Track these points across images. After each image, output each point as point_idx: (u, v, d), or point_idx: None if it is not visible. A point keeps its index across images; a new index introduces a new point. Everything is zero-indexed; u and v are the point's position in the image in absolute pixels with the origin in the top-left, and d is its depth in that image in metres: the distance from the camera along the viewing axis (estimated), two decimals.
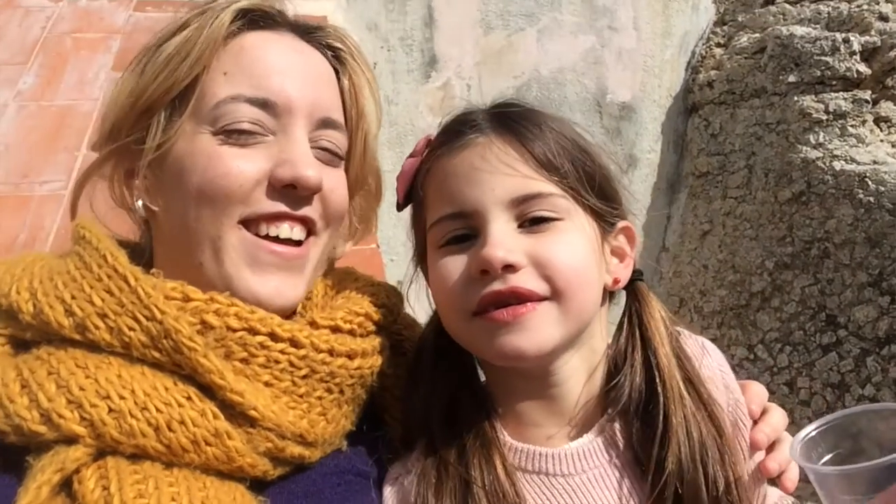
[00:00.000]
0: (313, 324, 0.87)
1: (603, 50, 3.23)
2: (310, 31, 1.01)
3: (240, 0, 0.94)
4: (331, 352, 0.85)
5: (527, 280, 0.83)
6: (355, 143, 1.00)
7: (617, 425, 0.89)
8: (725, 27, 3.37)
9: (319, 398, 0.85)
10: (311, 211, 0.91)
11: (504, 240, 0.83)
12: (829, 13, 2.90)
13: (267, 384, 0.81)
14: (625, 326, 0.94)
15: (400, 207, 1.00)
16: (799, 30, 2.82)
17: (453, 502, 0.84)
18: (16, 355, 0.80)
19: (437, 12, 2.97)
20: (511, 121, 0.91)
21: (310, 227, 0.92)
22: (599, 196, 0.91)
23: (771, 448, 0.94)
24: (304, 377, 0.84)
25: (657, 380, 0.88)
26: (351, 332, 0.89)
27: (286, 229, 0.89)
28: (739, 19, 3.31)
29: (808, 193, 2.60)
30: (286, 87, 0.90)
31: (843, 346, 2.40)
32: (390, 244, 2.58)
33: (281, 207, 0.88)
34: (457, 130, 0.91)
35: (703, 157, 3.11)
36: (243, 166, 0.87)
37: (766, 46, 2.92)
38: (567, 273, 0.84)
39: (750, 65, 2.97)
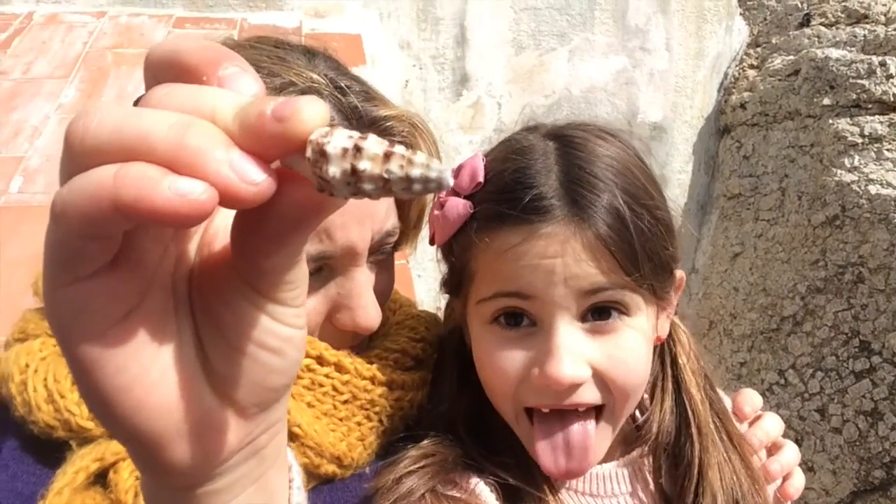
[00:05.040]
0: (351, 354, 0.87)
1: (635, 70, 3.22)
2: (375, 126, 0.88)
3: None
4: (372, 379, 0.85)
5: (587, 393, 0.77)
6: (409, 214, 0.93)
7: (644, 461, 0.87)
8: (759, 49, 3.34)
9: (359, 424, 0.85)
10: None
11: (572, 351, 0.75)
12: (865, 36, 2.87)
13: (309, 405, 0.82)
14: (655, 363, 0.89)
15: (439, 246, 0.88)
16: (834, 52, 2.79)
17: None
18: None
19: (469, 32, 2.99)
20: (591, 209, 0.75)
21: None
22: (669, 276, 0.83)
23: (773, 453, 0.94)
24: (345, 402, 0.84)
25: (692, 424, 0.85)
26: (388, 366, 0.89)
27: None
28: (773, 41, 3.28)
29: (843, 217, 2.56)
30: (348, 236, 0.80)
31: (877, 372, 2.35)
32: (418, 260, 2.59)
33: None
34: (522, 209, 0.76)
35: (734, 179, 3.08)
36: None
37: (801, 69, 2.89)
38: (627, 383, 0.79)
39: (784, 87, 2.94)
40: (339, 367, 0.84)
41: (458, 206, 0.81)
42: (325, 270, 0.83)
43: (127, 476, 0.71)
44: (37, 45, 2.55)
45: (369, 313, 0.84)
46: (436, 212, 0.84)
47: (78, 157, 0.31)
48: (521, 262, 0.76)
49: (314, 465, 0.80)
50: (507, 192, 0.78)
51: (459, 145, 2.96)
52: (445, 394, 0.89)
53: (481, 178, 0.80)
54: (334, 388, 0.83)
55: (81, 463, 0.71)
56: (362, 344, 0.91)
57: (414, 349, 0.93)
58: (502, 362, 0.79)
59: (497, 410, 0.84)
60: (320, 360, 0.83)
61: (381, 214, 0.85)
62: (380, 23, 2.85)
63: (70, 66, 2.50)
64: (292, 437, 0.78)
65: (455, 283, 0.87)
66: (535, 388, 0.77)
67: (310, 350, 0.82)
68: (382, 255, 0.89)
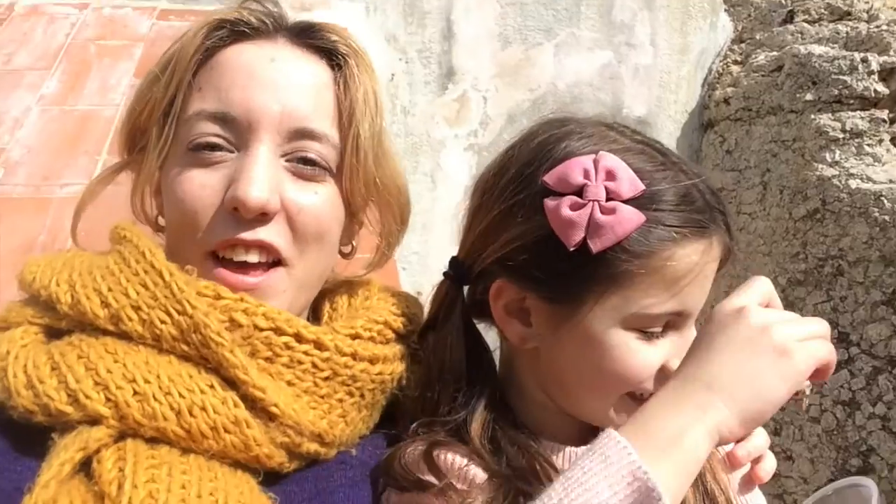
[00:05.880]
0: (334, 331, 0.87)
1: (620, 65, 3.24)
2: (304, 33, 0.94)
3: (222, 12, 0.90)
4: (353, 355, 0.86)
5: None
6: (346, 149, 0.91)
7: None
8: (743, 45, 3.37)
9: (340, 400, 0.85)
10: (271, 234, 0.85)
11: None
12: (847, 33, 2.90)
13: (289, 383, 0.82)
14: None
15: (593, 250, 0.80)
16: (817, 48, 2.82)
17: None
18: (48, 343, 0.81)
19: (455, 25, 2.99)
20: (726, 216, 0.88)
21: (275, 256, 0.86)
22: None
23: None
24: (326, 379, 0.84)
25: None
26: (371, 340, 0.90)
27: (241, 253, 0.85)
28: (757, 37, 3.31)
29: (823, 211, 2.59)
30: (248, 99, 0.84)
31: (855, 363, 2.38)
32: (402, 253, 2.60)
33: (231, 234, 0.84)
34: (709, 219, 0.83)
35: (717, 173, 3.11)
36: (204, 190, 0.84)
37: (784, 64, 2.91)
38: None
39: (767, 82, 2.97)
40: (319, 345, 0.84)
41: (633, 217, 0.79)
42: (228, 143, 0.85)
43: (111, 466, 0.71)
44: (18, 36, 2.53)
45: (250, 188, 0.81)
46: (602, 216, 0.79)
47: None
48: (693, 274, 0.83)
49: (295, 444, 0.81)
50: (687, 203, 0.83)
51: (445, 139, 2.97)
52: (462, 401, 0.89)
53: (643, 186, 0.81)
54: (314, 366, 0.83)
55: (66, 455, 0.71)
56: (260, 290, 0.86)
57: (395, 322, 0.94)
58: (639, 364, 0.84)
59: (581, 405, 0.88)
60: (298, 338, 0.83)
61: (292, 101, 0.86)
62: (366, 16, 2.84)
63: (52, 57, 2.48)
64: (270, 416, 0.78)
65: (564, 288, 0.84)
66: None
67: (286, 328, 0.82)
68: (305, 167, 0.88)
